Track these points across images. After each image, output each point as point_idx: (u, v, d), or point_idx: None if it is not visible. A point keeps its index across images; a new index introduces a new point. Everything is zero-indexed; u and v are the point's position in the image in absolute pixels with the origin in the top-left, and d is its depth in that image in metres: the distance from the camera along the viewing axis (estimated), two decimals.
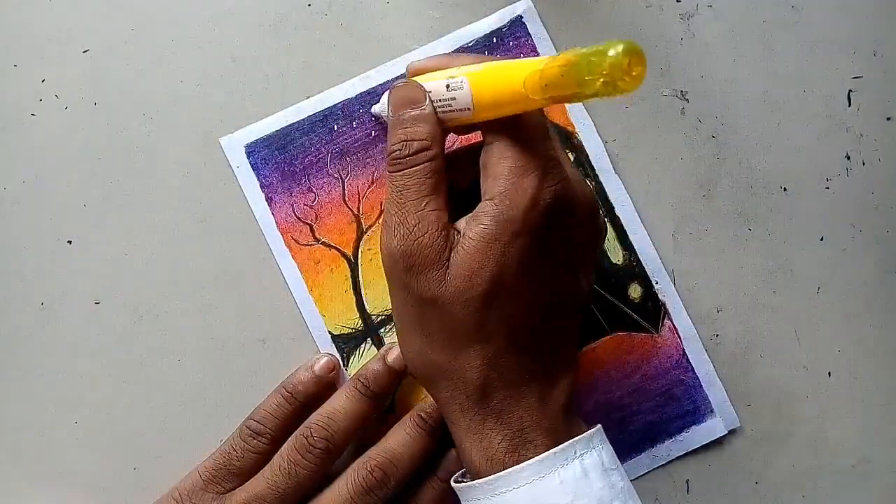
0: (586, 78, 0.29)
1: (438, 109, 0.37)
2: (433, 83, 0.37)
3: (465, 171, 0.38)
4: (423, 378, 0.38)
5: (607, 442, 0.37)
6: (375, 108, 0.44)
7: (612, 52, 0.29)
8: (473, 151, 0.38)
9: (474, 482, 0.36)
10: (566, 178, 0.36)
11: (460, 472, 0.39)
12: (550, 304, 0.37)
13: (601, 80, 0.29)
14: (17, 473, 0.43)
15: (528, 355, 0.37)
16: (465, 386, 0.36)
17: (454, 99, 0.36)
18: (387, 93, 0.39)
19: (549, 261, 0.36)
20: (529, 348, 0.37)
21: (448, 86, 0.36)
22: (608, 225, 0.44)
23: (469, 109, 0.35)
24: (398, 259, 0.36)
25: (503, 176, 0.35)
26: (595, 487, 0.35)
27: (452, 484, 0.38)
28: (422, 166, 0.36)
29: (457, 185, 0.39)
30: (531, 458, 0.35)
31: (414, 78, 0.38)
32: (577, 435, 0.36)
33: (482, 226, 0.35)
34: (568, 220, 0.36)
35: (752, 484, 0.45)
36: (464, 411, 0.37)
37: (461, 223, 0.37)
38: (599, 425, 0.38)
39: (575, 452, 0.36)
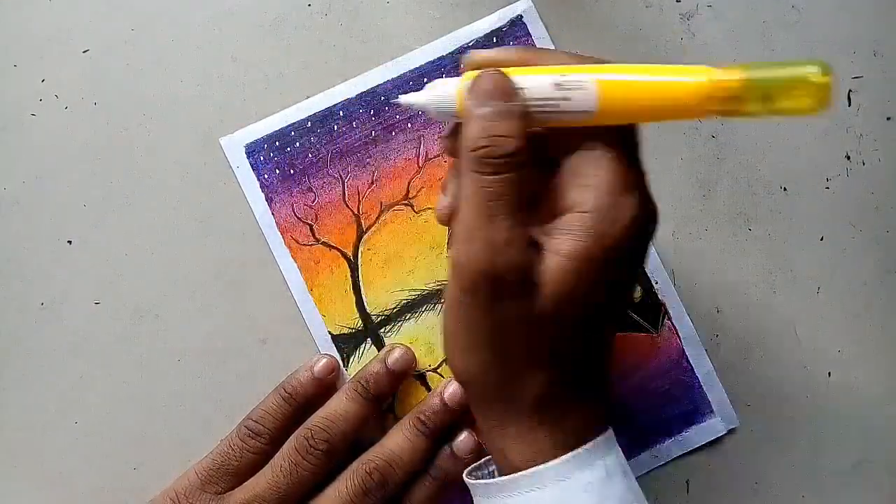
0: (794, 92, 0.30)
1: (533, 108, 0.33)
2: (532, 79, 0.33)
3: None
4: (473, 389, 0.36)
5: (618, 444, 0.37)
6: (406, 99, 0.36)
7: (819, 71, 0.29)
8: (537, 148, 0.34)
9: (494, 480, 0.35)
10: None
11: (473, 465, 0.38)
12: (619, 321, 0.37)
13: (810, 99, 0.29)
14: (17, 473, 0.43)
15: (590, 371, 0.35)
16: (524, 400, 0.34)
17: (566, 100, 0.32)
18: (432, 83, 0.35)
19: (626, 280, 0.35)
20: (591, 364, 0.36)
21: (558, 84, 0.32)
22: None
23: (587, 112, 0.32)
24: (482, 278, 0.32)
25: (602, 188, 0.32)
26: (618, 489, 0.34)
27: (465, 479, 0.37)
28: (515, 174, 0.32)
29: None
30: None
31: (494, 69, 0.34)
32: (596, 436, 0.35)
33: (576, 241, 0.32)
34: (647, 241, 0.34)
35: (752, 484, 0.45)
36: (517, 421, 0.35)
37: (536, 233, 0.33)
38: (610, 428, 0.37)
39: (599, 454, 0.34)
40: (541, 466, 0.33)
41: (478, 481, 0.36)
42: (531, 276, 0.32)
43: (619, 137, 0.33)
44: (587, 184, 0.33)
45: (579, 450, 0.34)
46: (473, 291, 0.33)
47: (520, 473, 0.34)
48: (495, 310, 0.33)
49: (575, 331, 0.34)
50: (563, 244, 0.32)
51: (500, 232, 0.32)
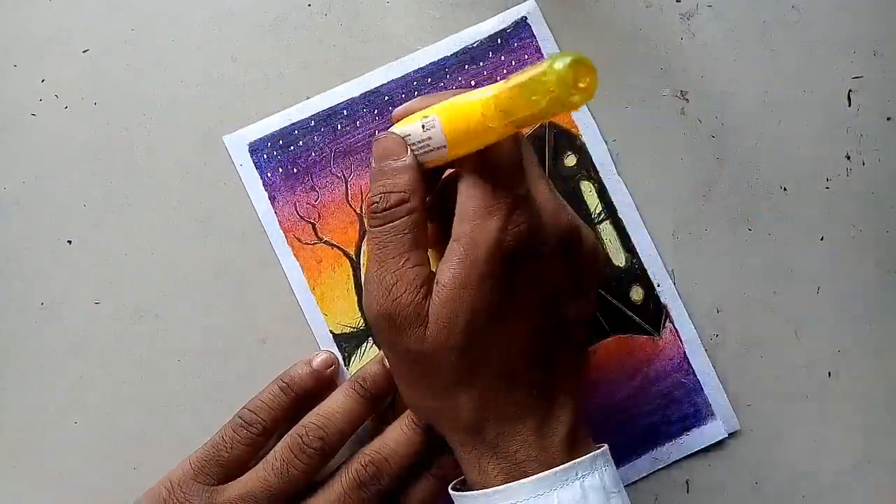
0: (533, 98, 0.28)
1: (419, 151, 0.36)
2: (411, 125, 0.36)
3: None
4: (423, 419, 0.40)
5: (611, 464, 0.37)
6: None
7: (557, 65, 0.28)
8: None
9: (471, 492, 0.37)
10: (533, 217, 0.35)
11: (458, 479, 0.40)
12: (534, 340, 0.37)
13: (548, 97, 0.28)
14: (17, 473, 0.43)
15: (520, 391, 0.37)
16: (459, 424, 0.37)
17: (430, 138, 0.35)
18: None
19: (524, 300, 0.36)
20: (520, 385, 0.37)
21: (423, 125, 0.35)
22: (611, 227, 0.44)
23: (444, 147, 0.35)
24: (380, 319, 0.36)
25: (468, 216, 0.35)
26: None
27: (450, 491, 0.38)
28: (400, 221, 0.36)
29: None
30: None
31: (396, 123, 0.38)
32: (582, 455, 0.36)
33: (451, 270, 0.35)
34: (536, 260, 0.36)
35: (752, 484, 0.45)
36: (462, 445, 0.37)
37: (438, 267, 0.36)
38: (605, 446, 0.38)
39: (576, 473, 0.36)
40: (516, 482, 0.35)
41: (456, 492, 0.38)
42: (423, 312, 0.35)
43: (480, 164, 0.35)
44: (459, 212, 0.35)
45: (556, 468, 0.35)
46: (377, 331, 0.37)
47: (496, 488, 0.35)
48: (397, 344, 0.36)
49: (466, 356, 0.35)
50: (443, 273, 0.35)
51: (389, 275, 0.35)
